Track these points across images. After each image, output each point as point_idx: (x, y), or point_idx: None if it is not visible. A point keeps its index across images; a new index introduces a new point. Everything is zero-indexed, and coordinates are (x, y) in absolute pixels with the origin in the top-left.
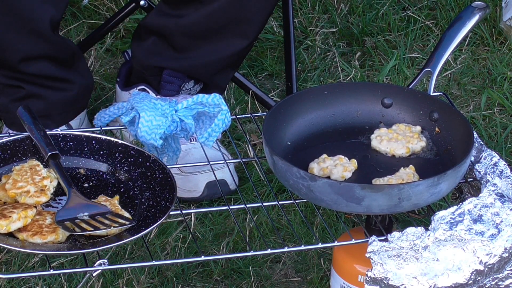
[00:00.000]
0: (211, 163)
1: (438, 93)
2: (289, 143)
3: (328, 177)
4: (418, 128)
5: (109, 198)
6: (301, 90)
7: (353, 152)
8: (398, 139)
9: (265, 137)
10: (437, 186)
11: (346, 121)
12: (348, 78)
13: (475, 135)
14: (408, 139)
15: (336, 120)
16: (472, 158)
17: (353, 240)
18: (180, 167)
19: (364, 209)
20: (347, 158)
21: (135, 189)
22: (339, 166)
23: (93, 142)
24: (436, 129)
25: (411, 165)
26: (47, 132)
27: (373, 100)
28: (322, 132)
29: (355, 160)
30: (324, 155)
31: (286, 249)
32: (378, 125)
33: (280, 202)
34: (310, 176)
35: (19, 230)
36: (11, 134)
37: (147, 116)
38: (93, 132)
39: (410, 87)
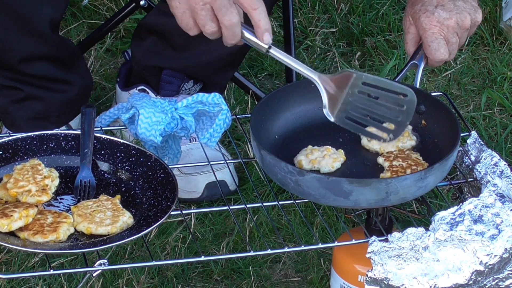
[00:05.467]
0: (211, 163)
1: (438, 93)
2: (277, 137)
3: (318, 171)
4: (410, 127)
5: (110, 198)
6: (287, 84)
7: (341, 145)
8: None
9: (253, 131)
10: (424, 180)
11: None
12: None
13: (475, 134)
14: (398, 138)
15: (323, 113)
16: (473, 158)
17: (353, 240)
18: (180, 167)
19: (352, 203)
20: (334, 149)
21: (137, 189)
22: (327, 158)
23: (95, 141)
24: (423, 121)
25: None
26: (48, 132)
27: None
28: (310, 125)
29: (343, 151)
30: (310, 146)
31: (286, 249)
32: (365, 118)
33: (280, 202)
34: (298, 171)
35: (20, 229)
36: (11, 134)
37: (146, 112)
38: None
39: (396, 79)
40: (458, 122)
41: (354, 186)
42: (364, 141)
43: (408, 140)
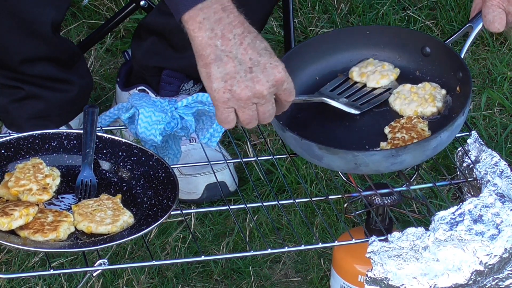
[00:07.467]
0: (211, 163)
1: None
2: (317, 78)
3: (364, 85)
4: (443, 92)
5: (111, 197)
6: (342, 28)
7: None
8: (414, 100)
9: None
10: (397, 157)
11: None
12: None
13: (475, 134)
14: (421, 102)
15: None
16: (473, 158)
17: (353, 240)
18: (180, 167)
19: (326, 165)
20: (392, 66)
21: (138, 188)
22: (377, 73)
23: (97, 140)
24: (458, 88)
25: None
26: (50, 131)
27: (412, 48)
28: None
29: (399, 70)
30: (371, 59)
31: (286, 249)
32: (415, 72)
33: (280, 202)
34: (281, 127)
35: (21, 227)
36: (11, 134)
37: (146, 112)
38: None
39: (447, 41)
40: (466, 108)
41: (323, 152)
42: (391, 98)
43: (430, 106)
